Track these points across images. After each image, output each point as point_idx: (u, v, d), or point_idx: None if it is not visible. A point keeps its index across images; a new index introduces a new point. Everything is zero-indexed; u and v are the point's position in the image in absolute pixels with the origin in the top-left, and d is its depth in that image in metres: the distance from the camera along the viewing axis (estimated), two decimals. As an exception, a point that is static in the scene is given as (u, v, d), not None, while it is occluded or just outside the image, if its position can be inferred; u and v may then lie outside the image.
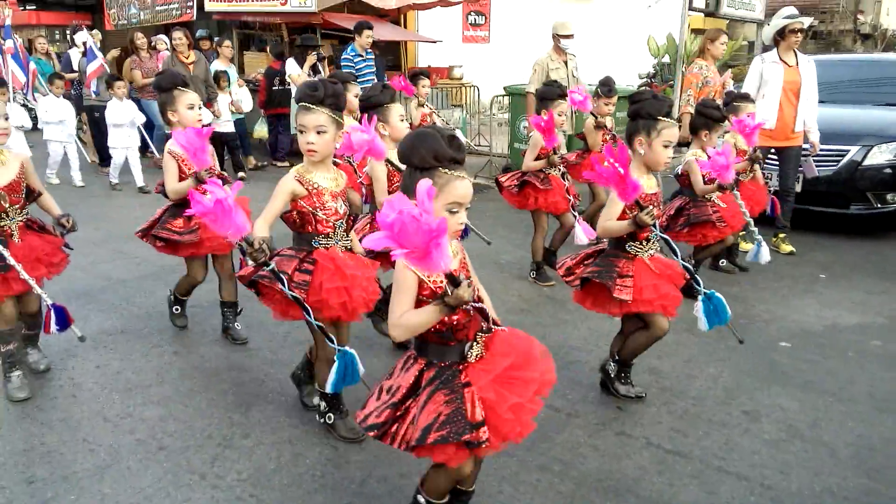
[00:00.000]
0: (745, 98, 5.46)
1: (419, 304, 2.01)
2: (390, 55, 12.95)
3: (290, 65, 8.83)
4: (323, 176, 2.81)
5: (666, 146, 3.10)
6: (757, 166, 5.12)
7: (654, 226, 3.07)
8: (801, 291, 4.90)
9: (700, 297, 3.15)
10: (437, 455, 2.01)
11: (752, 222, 4.43)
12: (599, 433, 3.06)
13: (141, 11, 13.91)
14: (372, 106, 3.59)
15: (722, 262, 5.35)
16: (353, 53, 8.12)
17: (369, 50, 8.28)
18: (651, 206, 3.00)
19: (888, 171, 6.18)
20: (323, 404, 3.00)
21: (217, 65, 8.89)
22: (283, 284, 2.60)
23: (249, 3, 10.26)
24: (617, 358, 3.34)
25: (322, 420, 3.01)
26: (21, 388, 3.29)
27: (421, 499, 2.26)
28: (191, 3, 12.29)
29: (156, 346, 3.89)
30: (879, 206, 6.27)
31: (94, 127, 8.95)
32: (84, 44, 9.24)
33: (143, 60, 9.07)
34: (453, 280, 1.90)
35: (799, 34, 5.88)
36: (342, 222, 2.84)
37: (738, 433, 3.06)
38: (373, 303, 2.91)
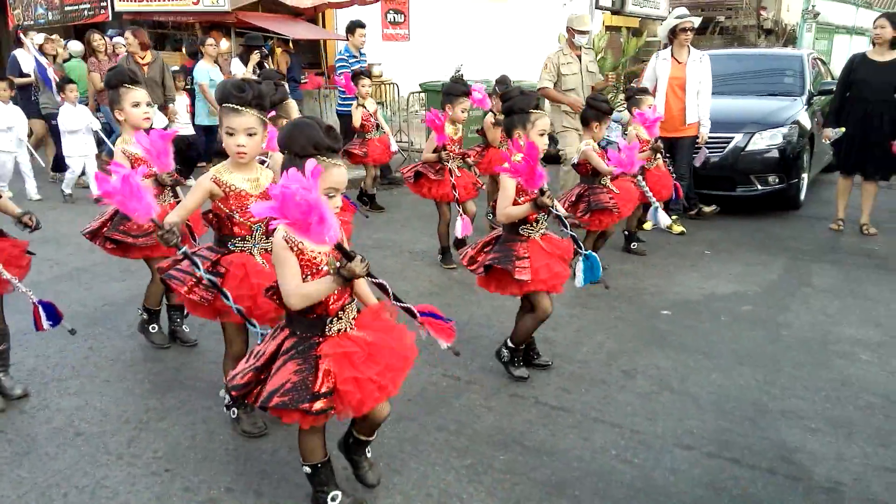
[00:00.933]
0: (644, 91, 5.91)
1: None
2: (309, 53, 13.04)
3: (235, 64, 8.72)
4: (241, 178, 2.80)
5: (541, 134, 3.42)
6: (659, 155, 5.53)
7: (554, 208, 3.35)
8: (686, 267, 5.37)
9: (580, 257, 3.49)
10: (285, 417, 2.24)
11: (655, 201, 4.91)
12: (494, 396, 3.37)
13: (49, 12, 13.52)
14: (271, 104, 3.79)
15: (633, 245, 5.74)
16: (348, 54, 8.07)
17: (363, 50, 8.23)
18: (549, 192, 3.29)
19: (768, 155, 6.77)
20: (228, 398, 3.13)
21: (203, 65, 8.38)
22: (198, 267, 2.71)
23: (162, 3, 10.19)
24: (509, 343, 3.56)
25: (228, 412, 3.14)
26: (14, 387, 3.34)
27: (305, 468, 2.48)
28: (104, 4, 12.06)
29: (71, 342, 3.97)
30: (761, 187, 6.86)
31: (54, 136, 8.35)
32: (39, 46, 8.73)
33: (101, 63, 8.58)
34: (346, 254, 2.13)
35: (689, 32, 6.39)
36: (260, 226, 2.85)
37: (616, 389, 3.42)
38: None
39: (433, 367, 3.62)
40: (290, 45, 10.43)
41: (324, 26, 13.99)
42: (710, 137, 6.74)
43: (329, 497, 2.46)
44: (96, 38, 8.74)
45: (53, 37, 10.12)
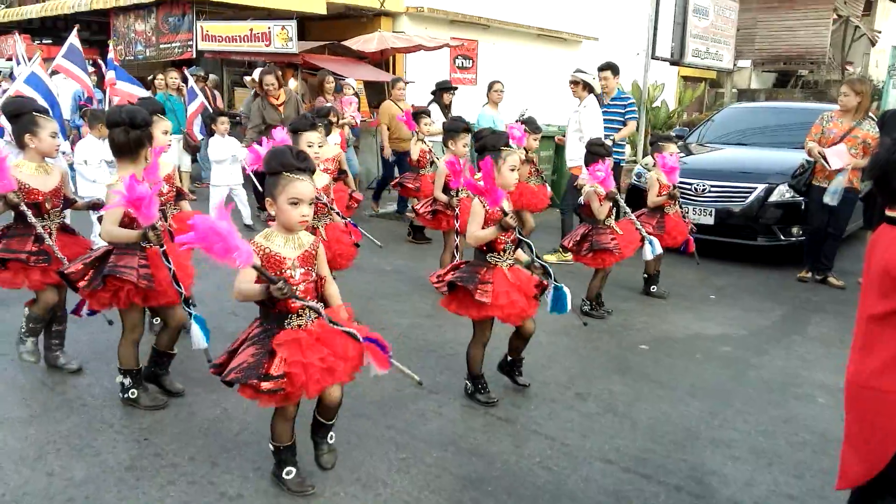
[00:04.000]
0: (668, 139, 6.14)
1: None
2: (374, 93, 13.81)
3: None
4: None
5: (512, 170, 3.75)
6: (676, 201, 5.71)
7: (516, 229, 3.67)
8: (684, 308, 5.51)
9: (552, 287, 3.76)
10: (242, 392, 2.64)
11: (646, 234, 5.14)
12: (448, 404, 3.68)
13: (147, 49, 14.96)
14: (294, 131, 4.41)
15: (653, 289, 5.85)
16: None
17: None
18: (512, 213, 3.61)
19: (789, 207, 6.82)
20: (127, 381, 3.53)
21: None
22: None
23: (238, 44, 11.17)
24: (469, 375, 3.79)
25: (125, 395, 3.52)
26: (32, 353, 3.86)
27: (270, 445, 2.89)
28: (190, 43, 13.28)
29: (102, 332, 4.54)
30: (784, 238, 6.90)
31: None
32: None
33: (333, 103, 8.89)
34: (267, 278, 2.52)
35: (573, 85, 7.07)
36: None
37: (563, 408, 3.66)
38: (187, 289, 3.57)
39: (402, 378, 3.95)
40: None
41: (394, 71, 14.82)
42: (733, 187, 6.89)
43: (284, 472, 2.86)
44: (329, 80, 9.27)
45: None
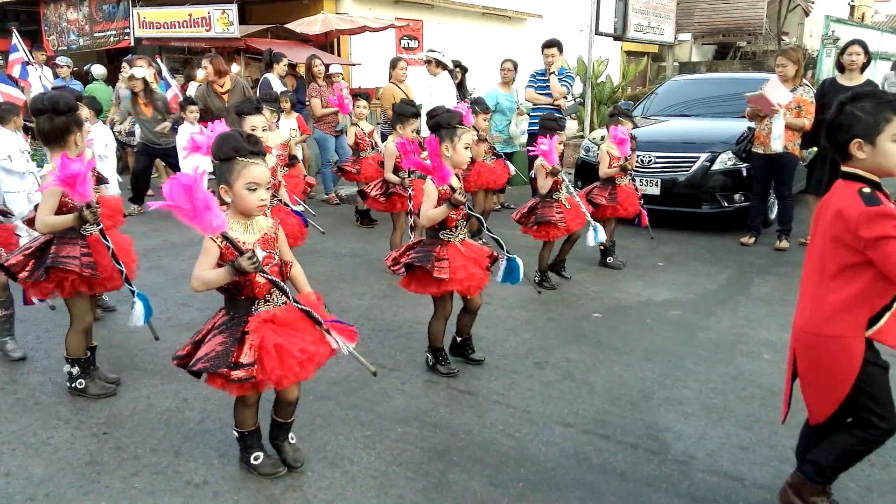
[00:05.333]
0: (625, 114, 6.21)
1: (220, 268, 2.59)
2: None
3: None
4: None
5: (466, 147, 3.78)
6: (628, 173, 5.82)
7: (466, 205, 3.71)
8: (634, 276, 5.66)
9: (504, 259, 3.84)
10: (210, 382, 2.62)
11: (591, 220, 5.22)
12: (410, 381, 3.72)
13: (80, 38, 14.44)
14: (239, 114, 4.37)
15: (609, 260, 5.96)
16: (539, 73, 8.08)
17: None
18: (461, 189, 3.64)
19: (732, 174, 7.04)
20: (75, 370, 3.52)
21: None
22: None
23: (177, 30, 10.88)
24: (429, 348, 3.86)
25: (73, 385, 3.52)
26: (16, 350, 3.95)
27: (234, 432, 2.87)
28: (127, 31, 12.88)
29: (53, 330, 4.43)
30: (727, 205, 7.12)
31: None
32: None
33: (321, 88, 8.70)
34: (236, 248, 2.52)
35: (427, 64, 7.63)
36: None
37: (523, 378, 3.74)
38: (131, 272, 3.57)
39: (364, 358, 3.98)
40: (296, 69, 11.00)
41: (339, 53, 14.64)
42: (677, 157, 7.09)
43: (252, 457, 2.86)
44: (317, 63, 8.91)
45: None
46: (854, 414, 2.34)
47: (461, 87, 8.22)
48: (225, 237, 2.52)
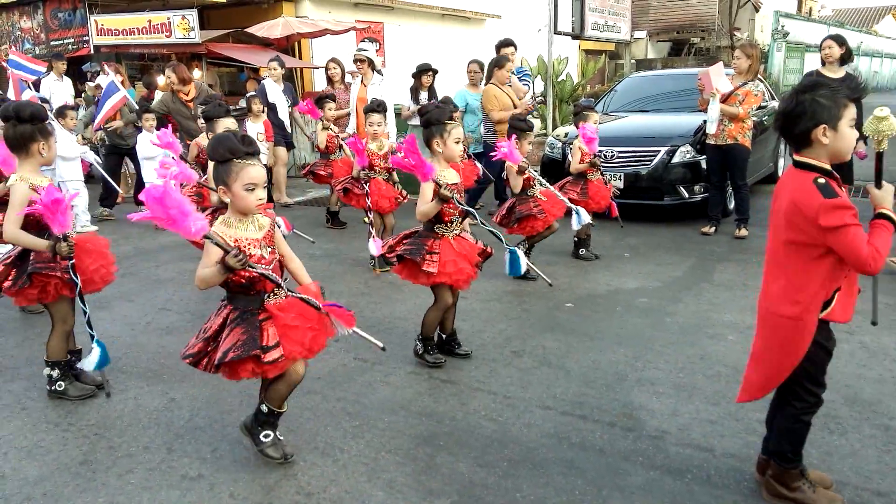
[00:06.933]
0: (591, 109, 6.37)
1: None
2: (287, 82, 13.65)
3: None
4: (42, 179, 3.38)
5: (457, 142, 3.89)
6: (598, 168, 5.98)
7: (456, 199, 3.80)
8: (602, 267, 5.86)
9: (507, 251, 3.98)
10: (240, 372, 2.69)
11: (571, 205, 5.38)
12: (394, 373, 3.84)
13: (36, 46, 14.16)
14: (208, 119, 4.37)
15: (582, 252, 6.14)
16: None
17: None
18: (448, 186, 3.74)
19: (692, 166, 7.31)
20: (55, 373, 3.57)
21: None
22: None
23: (137, 37, 10.79)
24: (420, 335, 3.99)
25: (52, 388, 3.57)
26: None
27: (264, 407, 2.93)
28: (86, 38, 12.69)
29: (32, 338, 4.43)
30: (688, 196, 7.38)
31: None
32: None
33: (336, 91, 8.53)
34: (221, 247, 2.60)
35: (361, 63, 7.85)
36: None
37: (502, 366, 3.89)
38: (110, 274, 3.67)
39: (346, 353, 4.09)
40: (259, 72, 11.00)
41: (300, 56, 14.64)
42: (639, 151, 7.32)
43: (262, 434, 2.94)
44: (332, 67, 8.79)
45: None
46: (786, 385, 2.48)
47: (431, 90, 8.31)
48: (208, 238, 2.60)
